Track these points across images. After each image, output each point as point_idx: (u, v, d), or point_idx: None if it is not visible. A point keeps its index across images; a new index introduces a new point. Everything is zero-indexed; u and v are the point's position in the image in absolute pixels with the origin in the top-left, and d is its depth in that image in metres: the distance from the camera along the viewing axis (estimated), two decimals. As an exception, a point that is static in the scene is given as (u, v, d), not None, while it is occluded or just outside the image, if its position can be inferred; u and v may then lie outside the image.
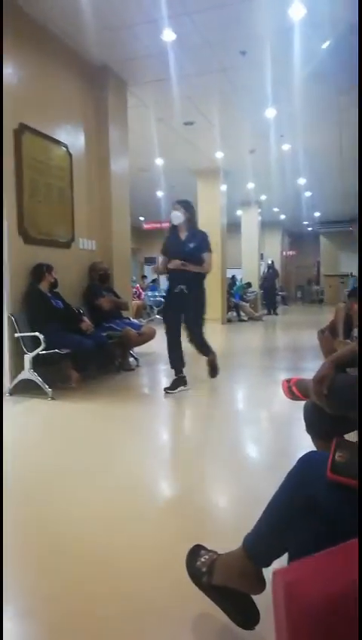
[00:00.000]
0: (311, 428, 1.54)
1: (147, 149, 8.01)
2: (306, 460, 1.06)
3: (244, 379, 4.78)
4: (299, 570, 0.74)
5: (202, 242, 3.94)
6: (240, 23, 4.44)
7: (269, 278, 14.35)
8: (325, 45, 4.86)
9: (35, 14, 4.16)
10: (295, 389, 1.77)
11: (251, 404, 3.92)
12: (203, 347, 4.09)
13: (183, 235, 3.95)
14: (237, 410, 3.72)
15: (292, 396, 1.84)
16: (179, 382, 3.90)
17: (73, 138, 4.82)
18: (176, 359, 3.94)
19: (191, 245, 3.89)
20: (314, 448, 1.47)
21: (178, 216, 3.89)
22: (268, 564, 1.10)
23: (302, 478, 1.03)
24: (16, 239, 4.01)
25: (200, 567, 1.17)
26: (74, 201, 4.82)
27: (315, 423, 1.51)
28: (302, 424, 1.57)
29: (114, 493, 2.08)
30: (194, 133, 7.49)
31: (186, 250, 3.86)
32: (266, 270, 14.74)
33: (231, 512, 1.97)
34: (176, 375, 3.93)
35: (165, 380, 4.18)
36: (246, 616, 1.12)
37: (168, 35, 4.59)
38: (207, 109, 6.57)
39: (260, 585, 1.11)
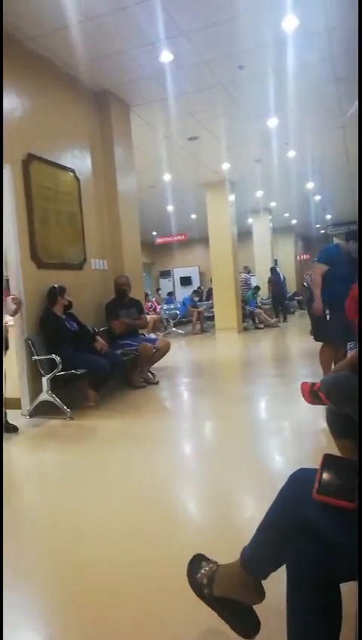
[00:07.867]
0: (331, 428, 1.64)
1: (154, 165, 8.14)
2: (296, 479, 1.05)
3: (264, 389, 4.76)
4: None
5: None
6: (236, 39, 4.52)
7: (275, 283, 12.52)
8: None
9: (37, 48, 4.33)
10: (321, 394, 1.83)
11: (274, 414, 3.90)
12: None
13: None
14: (261, 421, 3.71)
15: (315, 400, 1.93)
16: None
17: (80, 162, 4.95)
18: None
19: None
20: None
21: None
22: (265, 577, 1.11)
23: (293, 497, 1.02)
24: (29, 265, 4.13)
25: (201, 579, 1.20)
26: (84, 224, 4.93)
27: (334, 423, 1.62)
28: (322, 433, 1.67)
29: (131, 508, 2.11)
30: (199, 147, 7.59)
31: None
32: (271, 275, 12.75)
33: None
34: None
35: (184, 393, 4.15)
36: (247, 626, 1.15)
37: (166, 57, 4.70)
38: (209, 123, 6.65)
39: (259, 595, 1.13)
